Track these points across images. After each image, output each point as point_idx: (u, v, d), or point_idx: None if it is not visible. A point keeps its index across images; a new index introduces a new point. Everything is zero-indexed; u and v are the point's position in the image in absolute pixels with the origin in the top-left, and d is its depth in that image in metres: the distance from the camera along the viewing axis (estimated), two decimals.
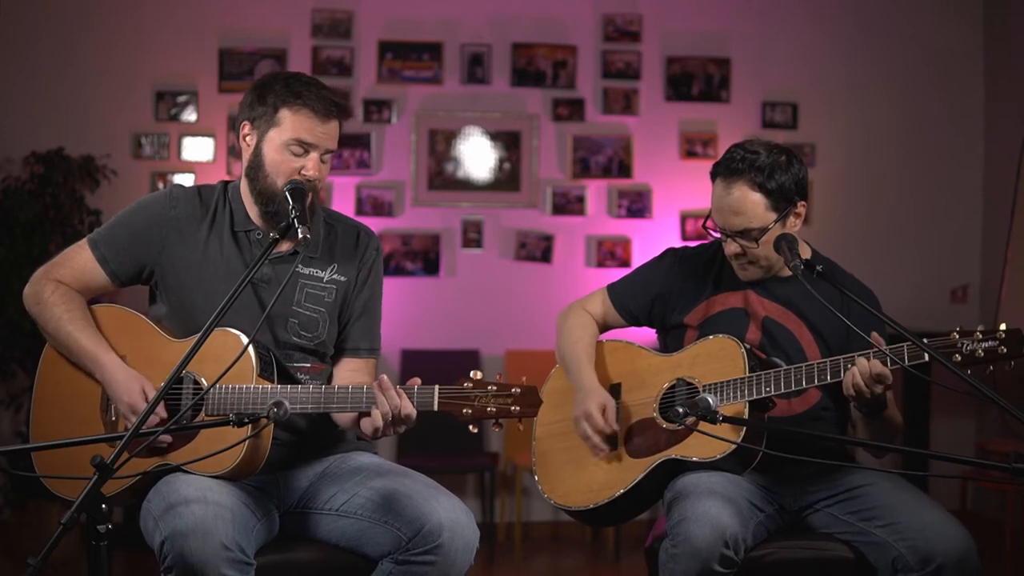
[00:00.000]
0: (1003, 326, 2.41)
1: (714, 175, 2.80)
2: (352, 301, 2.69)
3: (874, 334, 2.54)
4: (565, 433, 2.91)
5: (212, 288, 2.54)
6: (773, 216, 2.73)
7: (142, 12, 5.69)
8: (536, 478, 2.94)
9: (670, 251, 3.01)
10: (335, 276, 2.67)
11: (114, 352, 2.53)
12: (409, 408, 2.37)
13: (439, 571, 2.38)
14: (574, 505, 2.84)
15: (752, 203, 2.72)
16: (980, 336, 2.41)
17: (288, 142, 2.53)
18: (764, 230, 2.73)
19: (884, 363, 2.51)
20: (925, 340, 2.46)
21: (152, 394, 2.46)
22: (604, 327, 3.03)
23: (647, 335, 3.05)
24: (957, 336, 2.43)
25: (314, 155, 2.54)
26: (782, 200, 2.73)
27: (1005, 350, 2.39)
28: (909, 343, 2.48)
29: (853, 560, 2.65)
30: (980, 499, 5.83)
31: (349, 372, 2.69)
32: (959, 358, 2.41)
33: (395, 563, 2.42)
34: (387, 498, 2.46)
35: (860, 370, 2.51)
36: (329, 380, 2.71)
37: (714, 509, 2.50)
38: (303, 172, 2.53)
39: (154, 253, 2.61)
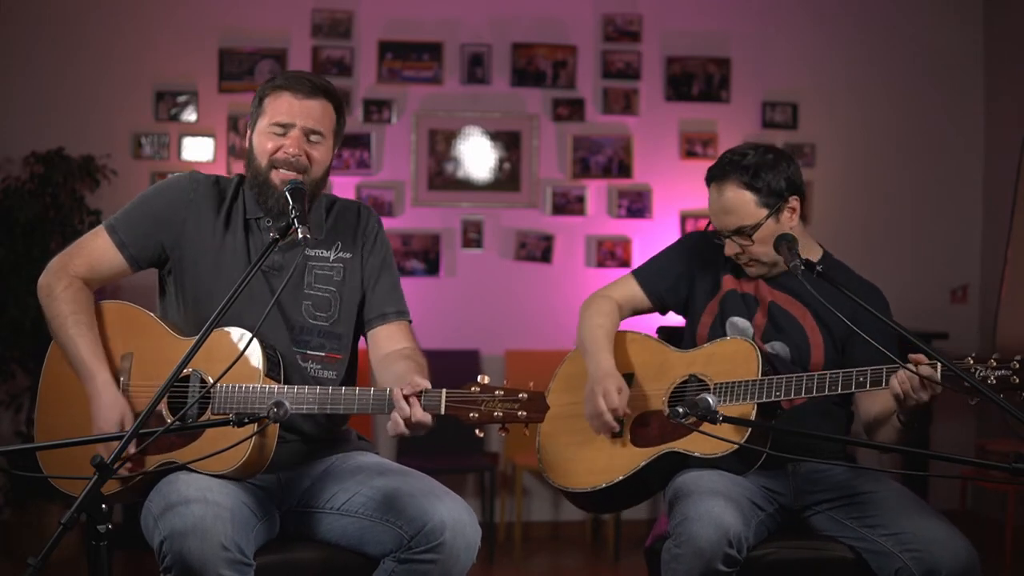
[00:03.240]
0: (1018, 357, 2.37)
1: (708, 181, 2.91)
2: (364, 272, 2.72)
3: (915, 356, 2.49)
4: (573, 416, 2.93)
5: (226, 275, 2.57)
6: (764, 212, 2.82)
7: (142, 12, 5.69)
8: (539, 457, 2.96)
9: (692, 233, 3.12)
10: (340, 254, 2.70)
11: (107, 370, 2.53)
12: (420, 415, 2.36)
13: (441, 570, 2.38)
14: (573, 487, 2.86)
15: (742, 201, 2.82)
16: (995, 364, 2.39)
17: (269, 125, 2.59)
18: (757, 226, 2.81)
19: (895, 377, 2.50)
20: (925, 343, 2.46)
21: (131, 425, 2.46)
22: (630, 312, 3.06)
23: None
24: (971, 362, 2.41)
25: (294, 133, 2.58)
26: (771, 196, 2.82)
27: (1018, 380, 2.36)
28: (926, 363, 2.45)
29: (854, 561, 2.65)
30: (980, 499, 5.83)
31: (385, 339, 2.69)
32: (970, 385, 2.39)
33: (397, 562, 2.42)
34: (388, 497, 2.47)
35: (907, 373, 2.45)
36: (353, 363, 2.71)
37: (716, 508, 2.51)
38: (284, 150, 2.57)
39: (174, 235, 2.62)
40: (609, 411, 2.78)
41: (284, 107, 2.59)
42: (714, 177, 2.87)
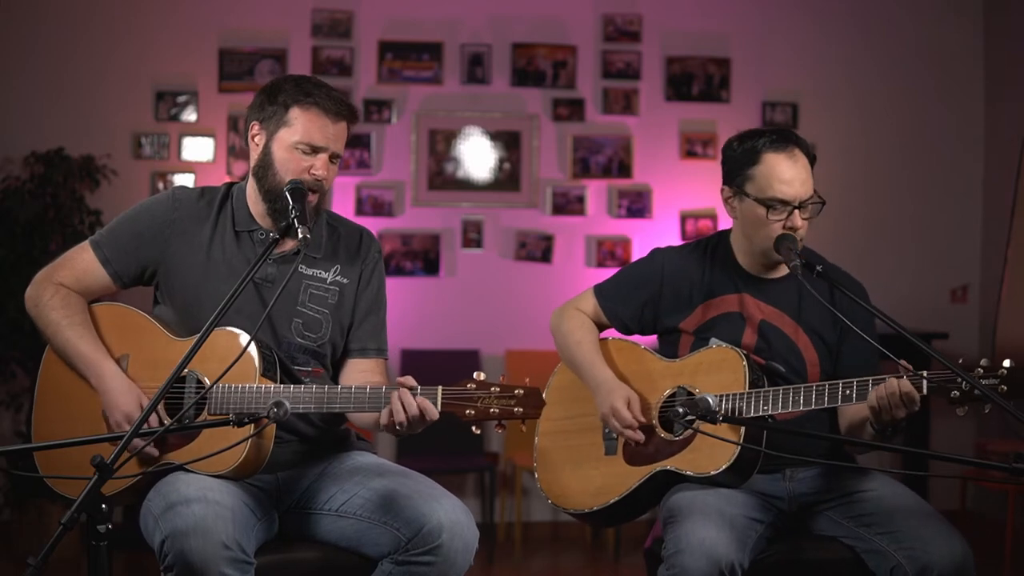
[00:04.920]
0: (1006, 363, 2.36)
1: (757, 151, 2.77)
2: (357, 303, 2.70)
3: (903, 361, 2.49)
4: (567, 431, 2.90)
5: (215, 288, 2.54)
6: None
7: (142, 12, 5.69)
8: (536, 475, 2.93)
9: (657, 252, 2.96)
10: (337, 278, 2.67)
11: (112, 360, 2.53)
12: (414, 409, 2.37)
13: (438, 571, 2.39)
14: (570, 507, 2.85)
15: (809, 171, 2.76)
16: (981, 372, 2.37)
17: (297, 142, 2.54)
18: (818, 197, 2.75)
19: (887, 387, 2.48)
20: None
21: (143, 409, 2.45)
22: (599, 328, 2.98)
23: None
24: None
25: (323, 155, 2.55)
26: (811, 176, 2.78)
27: (1005, 388, 2.34)
28: (912, 375, 2.44)
29: (852, 561, 2.64)
30: (980, 499, 5.83)
31: (359, 373, 2.68)
32: (957, 394, 2.38)
33: (395, 563, 2.42)
34: (387, 498, 2.47)
35: (888, 389, 2.45)
36: (336, 382, 2.71)
37: (708, 539, 2.47)
38: (312, 171, 2.54)
39: (157, 254, 2.61)
40: (627, 428, 2.74)
41: (318, 128, 2.54)
42: (778, 145, 2.74)
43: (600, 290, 2.97)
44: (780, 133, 2.78)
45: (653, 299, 2.89)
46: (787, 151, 2.74)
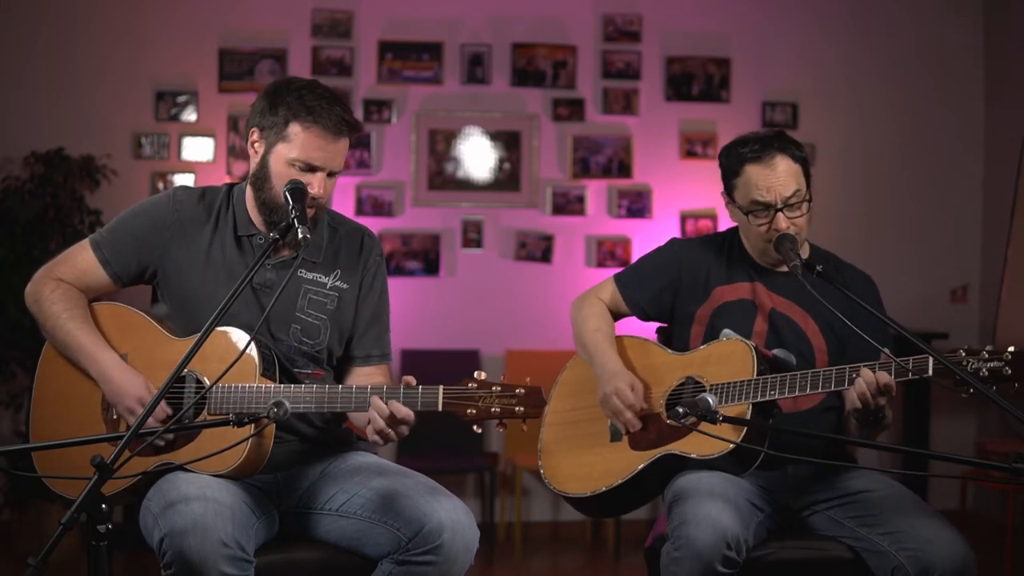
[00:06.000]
0: (1011, 348, 2.38)
1: (740, 163, 2.81)
2: (359, 310, 2.69)
3: (885, 351, 2.52)
4: (574, 422, 2.92)
5: (214, 292, 2.54)
6: (806, 185, 2.80)
7: (142, 12, 5.68)
8: (540, 463, 2.95)
9: (675, 241, 3.04)
10: (337, 283, 2.66)
11: (113, 351, 2.53)
12: (385, 413, 2.38)
13: (439, 571, 2.39)
14: (573, 491, 2.85)
15: (795, 172, 2.79)
16: (986, 356, 2.39)
17: (295, 159, 2.51)
18: (809, 195, 2.79)
19: (889, 373, 2.50)
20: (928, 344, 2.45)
21: (151, 393, 2.46)
22: (616, 316, 3.04)
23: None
24: (963, 354, 2.41)
25: (320, 174, 2.52)
26: (806, 174, 2.81)
27: (1010, 371, 2.36)
28: (916, 356, 2.46)
29: (853, 561, 2.65)
30: (980, 499, 5.83)
31: (364, 377, 2.69)
32: (961, 378, 2.39)
33: (395, 563, 2.42)
34: (387, 498, 2.47)
35: (866, 381, 2.50)
36: (339, 375, 2.71)
37: (715, 511, 2.51)
38: (308, 190, 2.51)
39: (156, 256, 2.60)
40: (627, 408, 2.77)
41: (317, 148, 2.49)
42: (757, 156, 2.77)
43: (619, 277, 3.04)
44: (763, 142, 2.81)
45: (671, 285, 2.94)
46: (765, 162, 2.79)
